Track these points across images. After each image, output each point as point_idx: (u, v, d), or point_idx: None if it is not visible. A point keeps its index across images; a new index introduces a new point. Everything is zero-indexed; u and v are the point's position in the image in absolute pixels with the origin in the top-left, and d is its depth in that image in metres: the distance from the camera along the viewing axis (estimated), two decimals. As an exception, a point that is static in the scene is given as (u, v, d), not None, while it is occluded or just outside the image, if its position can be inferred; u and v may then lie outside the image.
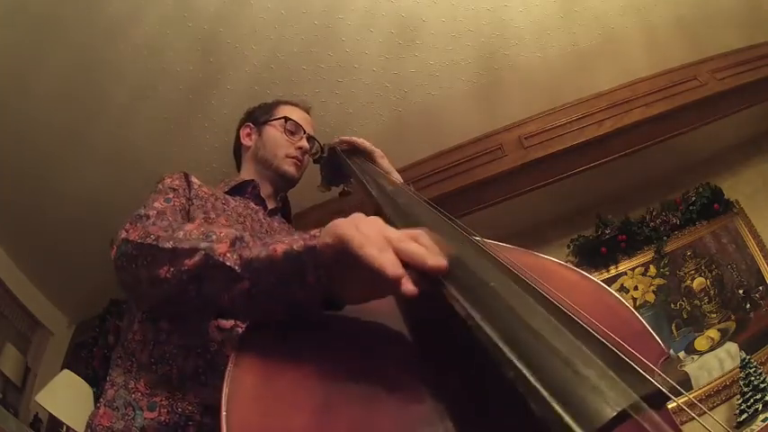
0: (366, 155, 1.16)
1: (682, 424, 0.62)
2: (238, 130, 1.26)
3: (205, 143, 2.28)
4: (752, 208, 2.56)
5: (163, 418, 0.71)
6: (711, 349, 2.31)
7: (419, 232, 0.54)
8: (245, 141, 1.23)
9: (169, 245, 0.65)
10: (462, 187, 2.43)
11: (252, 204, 1.08)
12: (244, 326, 0.63)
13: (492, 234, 0.78)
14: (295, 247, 0.54)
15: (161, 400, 0.73)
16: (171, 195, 0.88)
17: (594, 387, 0.35)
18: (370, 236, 0.51)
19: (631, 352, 0.42)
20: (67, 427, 2.14)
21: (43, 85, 2.02)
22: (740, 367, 2.10)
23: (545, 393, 0.34)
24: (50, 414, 2.15)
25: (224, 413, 0.44)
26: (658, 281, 2.52)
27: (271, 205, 1.15)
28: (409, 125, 2.37)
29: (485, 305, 0.45)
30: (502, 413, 0.43)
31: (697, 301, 2.44)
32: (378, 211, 0.80)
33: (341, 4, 1.99)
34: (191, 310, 0.69)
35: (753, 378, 2.03)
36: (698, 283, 2.48)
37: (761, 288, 2.37)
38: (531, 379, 0.36)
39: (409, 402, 0.47)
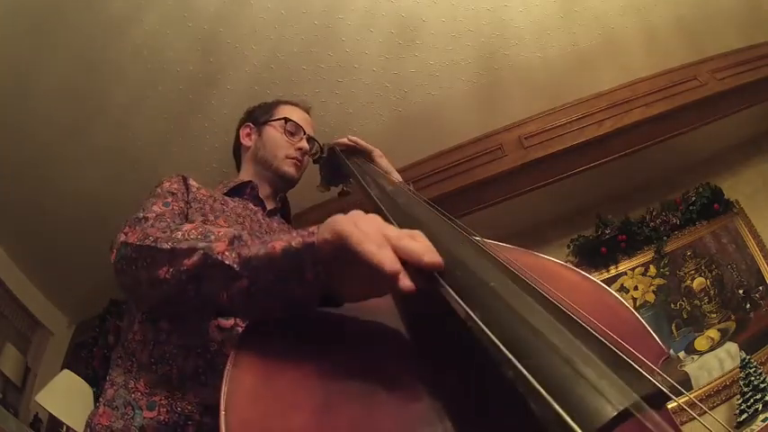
0: (365, 154, 1.16)
1: (682, 424, 0.62)
2: (238, 130, 1.26)
3: (205, 143, 2.28)
4: (752, 208, 2.56)
5: (162, 418, 0.71)
6: (711, 349, 2.31)
7: (416, 232, 0.55)
8: (245, 141, 1.23)
9: (168, 245, 0.65)
10: (462, 187, 2.43)
11: (251, 205, 1.08)
12: (244, 325, 0.63)
13: (492, 234, 0.78)
14: (293, 243, 0.54)
15: (160, 400, 0.73)
16: (170, 199, 0.88)
17: (595, 386, 0.35)
18: (368, 232, 0.51)
19: (631, 352, 0.42)
20: (67, 427, 2.14)
21: (43, 85, 2.02)
22: (740, 367, 2.10)
23: (545, 393, 0.34)
24: (50, 414, 2.15)
25: (223, 412, 0.44)
26: (658, 281, 2.52)
27: (270, 206, 1.14)
28: (409, 125, 2.37)
29: (484, 305, 0.45)
30: (501, 413, 0.43)
31: (697, 301, 2.44)
32: (377, 211, 0.80)
33: (341, 4, 1.99)
34: (190, 309, 0.69)
35: (753, 378, 2.03)
36: (698, 283, 2.48)
37: (761, 288, 2.37)
38: (531, 378, 0.36)
39: (409, 402, 0.47)
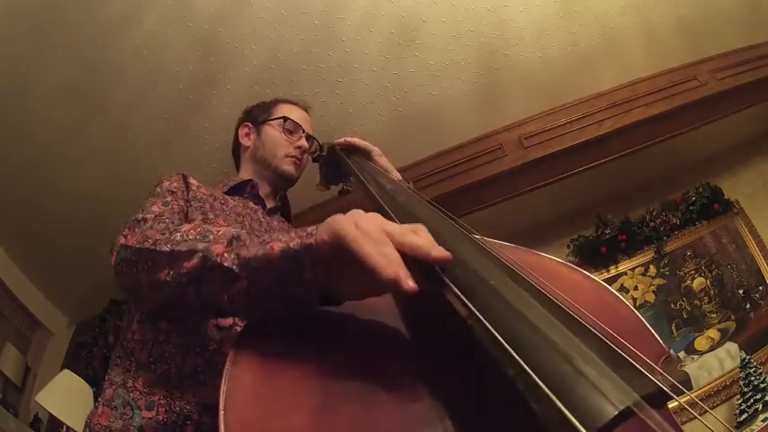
0: (364, 153, 1.16)
1: (682, 424, 0.62)
2: (237, 130, 1.26)
3: (205, 143, 2.28)
4: (752, 208, 2.56)
5: (161, 418, 0.71)
6: (711, 349, 2.30)
7: (418, 226, 0.54)
8: (244, 141, 1.23)
9: (167, 248, 0.65)
10: (462, 187, 2.43)
11: (251, 204, 1.08)
12: (242, 324, 0.63)
13: (492, 234, 0.78)
14: (292, 245, 0.54)
15: (159, 400, 0.73)
16: (169, 198, 0.88)
17: (595, 385, 0.35)
18: (369, 231, 0.51)
19: (632, 350, 0.41)
20: (67, 427, 2.14)
21: (43, 85, 2.02)
22: (740, 367, 2.10)
23: (547, 391, 0.34)
24: (50, 414, 2.15)
25: (222, 412, 0.44)
26: (658, 281, 2.52)
27: (270, 204, 1.14)
28: (409, 125, 2.37)
29: (485, 303, 0.45)
30: (502, 412, 0.43)
31: (697, 301, 2.43)
32: (378, 209, 0.80)
33: (341, 4, 1.99)
34: (190, 311, 0.69)
35: (753, 378, 2.03)
36: (698, 283, 2.48)
37: (761, 288, 2.37)
38: (533, 376, 0.36)
39: (409, 402, 0.47)
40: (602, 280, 0.82)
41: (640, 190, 2.72)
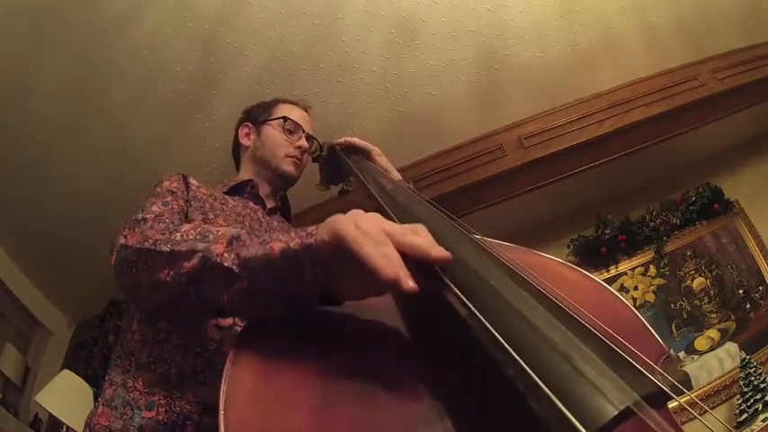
0: (364, 153, 1.16)
1: (682, 424, 0.62)
2: (237, 130, 1.26)
3: (205, 143, 2.28)
4: (752, 208, 2.56)
5: (161, 418, 0.71)
6: (711, 349, 2.30)
7: (418, 226, 0.54)
8: (244, 141, 1.23)
9: (167, 248, 0.65)
10: (462, 187, 2.43)
11: (251, 204, 1.08)
12: (242, 324, 0.63)
13: (492, 234, 0.78)
14: (292, 245, 0.54)
15: (159, 400, 0.73)
16: (169, 198, 0.88)
17: (595, 385, 0.35)
18: (369, 231, 0.50)
19: (632, 350, 0.41)
20: (67, 427, 2.14)
21: (43, 85, 2.02)
22: (740, 367, 2.10)
23: (547, 391, 0.34)
24: (50, 414, 2.15)
25: (222, 412, 0.44)
26: (658, 281, 2.52)
27: (270, 204, 1.14)
28: (409, 125, 2.37)
29: (485, 303, 0.45)
30: (502, 412, 0.43)
31: (697, 301, 2.43)
32: (378, 209, 0.80)
33: (341, 4, 1.99)
34: (190, 311, 0.69)
35: (753, 378, 2.03)
36: (698, 283, 2.48)
37: (761, 288, 2.37)
38: (533, 376, 0.36)
39: (409, 402, 0.47)
40: (602, 280, 0.82)
41: (640, 190, 2.72)
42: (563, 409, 0.33)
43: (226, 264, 0.57)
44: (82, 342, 2.83)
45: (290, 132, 1.19)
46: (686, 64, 2.49)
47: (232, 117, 1.33)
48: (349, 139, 1.17)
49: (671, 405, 0.46)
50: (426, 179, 2.46)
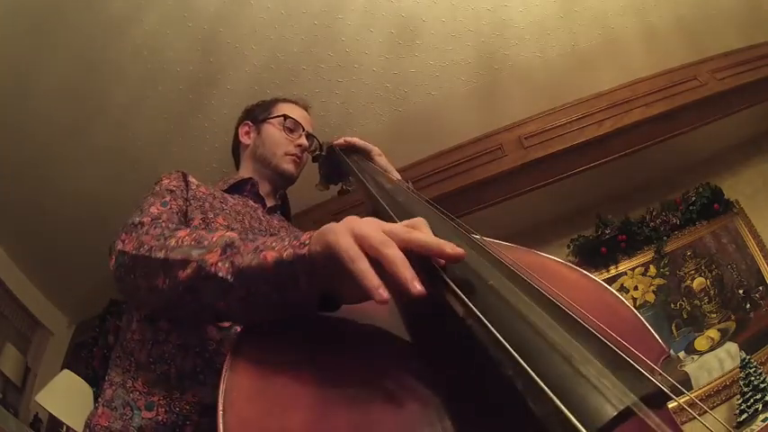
0: (364, 153, 1.16)
1: (682, 424, 0.62)
2: (237, 129, 1.26)
3: (205, 143, 2.28)
4: (752, 208, 2.56)
5: (161, 418, 0.71)
6: (711, 349, 2.30)
7: (417, 220, 0.53)
8: (244, 140, 1.23)
9: (161, 255, 0.65)
10: (462, 187, 2.43)
11: (250, 202, 1.08)
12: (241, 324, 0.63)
13: (492, 234, 0.78)
14: (285, 255, 0.53)
15: (159, 400, 0.73)
16: (168, 198, 0.88)
17: (595, 385, 0.35)
18: (368, 234, 0.49)
19: (632, 350, 0.41)
20: (67, 427, 2.14)
21: (43, 85, 2.02)
22: (740, 367, 2.10)
23: (547, 391, 0.34)
24: (50, 414, 2.15)
25: (221, 411, 0.44)
26: (658, 281, 2.52)
27: (270, 203, 1.14)
28: (409, 125, 2.37)
29: (484, 303, 0.45)
30: (501, 413, 0.43)
31: (697, 301, 2.43)
32: (376, 209, 0.80)
33: (341, 4, 1.99)
34: (189, 314, 0.70)
35: (753, 378, 2.03)
36: (698, 283, 2.48)
37: (761, 288, 2.37)
38: (533, 376, 0.36)
39: (408, 401, 0.47)
40: (602, 280, 0.82)
41: (640, 190, 2.72)
42: (563, 408, 0.33)
43: (220, 274, 0.57)
44: (82, 342, 2.83)
45: (291, 131, 1.20)
46: (686, 64, 2.49)
47: (232, 117, 1.33)
48: (349, 138, 1.17)
49: (671, 405, 0.46)
50: (426, 179, 2.46)
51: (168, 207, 0.85)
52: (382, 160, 1.16)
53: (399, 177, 1.13)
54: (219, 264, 0.58)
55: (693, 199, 2.59)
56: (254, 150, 1.19)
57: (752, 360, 2.10)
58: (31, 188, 2.34)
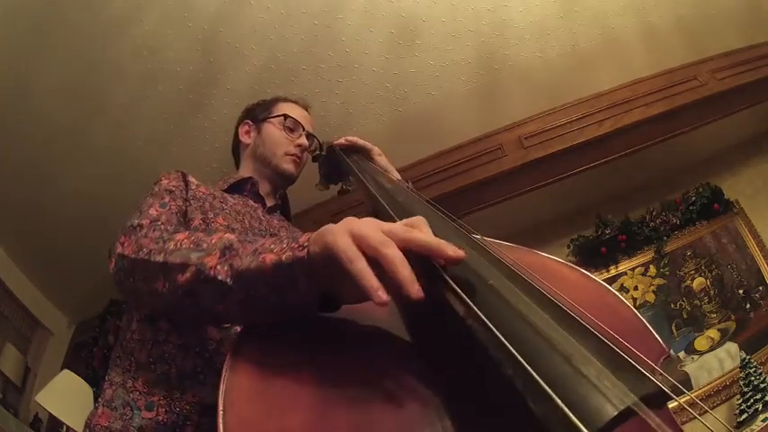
0: (364, 153, 1.16)
1: (682, 424, 0.62)
2: (237, 128, 1.26)
3: (205, 143, 2.28)
4: (752, 208, 2.56)
5: (161, 418, 0.71)
6: (711, 349, 2.30)
7: (417, 218, 0.53)
8: (244, 139, 1.23)
9: (160, 258, 0.65)
10: (462, 187, 2.43)
11: (250, 202, 1.08)
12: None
13: (492, 234, 0.78)
14: (283, 258, 0.53)
15: (159, 400, 0.73)
16: (167, 199, 0.87)
17: (595, 385, 0.35)
18: (367, 234, 0.49)
19: (632, 351, 0.41)
20: (67, 427, 2.14)
21: (43, 85, 2.02)
22: (740, 367, 2.10)
23: (548, 390, 0.34)
24: (50, 414, 2.15)
25: (221, 411, 0.44)
26: (658, 281, 2.52)
27: (269, 202, 1.14)
28: (409, 125, 2.37)
29: (484, 303, 0.45)
30: (501, 412, 0.43)
31: (697, 301, 2.43)
32: (376, 209, 0.80)
33: (341, 4, 1.99)
34: (188, 317, 0.70)
35: (753, 378, 2.03)
36: (698, 283, 2.48)
37: (761, 288, 2.37)
38: (534, 376, 0.36)
39: (408, 401, 0.47)
40: (602, 280, 0.82)
41: (640, 190, 2.72)
42: (564, 408, 0.33)
43: (219, 277, 0.57)
44: (82, 342, 2.83)
45: (291, 130, 1.20)
46: (686, 64, 2.49)
47: (232, 117, 1.33)
48: (350, 138, 1.17)
49: (671, 405, 0.46)
50: (426, 179, 2.46)
51: (167, 208, 0.85)
52: (382, 160, 1.16)
53: (399, 177, 1.13)
54: (218, 267, 0.58)
55: (693, 199, 2.59)
56: (254, 150, 1.19)
57: (752, 360, 2.10)
58: (31, 188, 2.34)
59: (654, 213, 2.63)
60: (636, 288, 2.52)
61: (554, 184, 2.46)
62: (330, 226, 0.52)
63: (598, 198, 2.68)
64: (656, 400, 0.37)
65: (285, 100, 1.27)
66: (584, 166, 2.43)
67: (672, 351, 2.32)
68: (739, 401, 2.03)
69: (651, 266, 2.56)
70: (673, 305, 2.45)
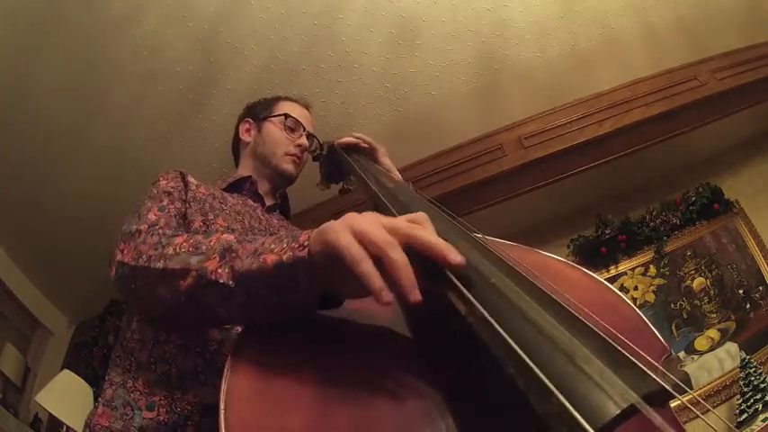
0: (367, 152, 1.16)
1: (684, 423, 0.62)
2: (237, 126, 1.26)
3: (205, 143, 2.28)
4: (752, 208, 2.56)
5: (162, 418, 0.71)
6: (711, 349, 2.30)
7: (419, 215, 0.53)
8: (244, 137, 1.22)
9: (160, 265, 0.65)
10: (462, 187, 2.43)
11: (250, 201, 1.07)
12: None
13: (492, 234, 0.78)
14: (284, 258, 0.53)
15: (159, 400, 0.72)
16: (165, 202, 0.86)
17: (598, 383, 0.35)
18: (367, 231, 0.48)
19: (634, 349, 0.41)
20: (67, 427, 2.13)
21: (43, 85, 2.02)
22: (740, 367, 2.10)
23: (552, 388, 0.34)
24: (50, 414, 2.15)
25: (222, 411, 0.44)
26: (658, 281, 2.52)
27: (269, 202, 1.14)
28: (409, 125, 2.37)
29: (486, 301, 0.44)
30: (503, 411, 0.43)
31: (697, 301, 2.43)
32: (377, 208, 0.80)
33: (341, 4, 1.99)
34: (189, 321, 0.70)
35: (753, 378, 2.03)
36: (698, 283, 2.48)
37: (761, 288, 2.37)
38: (537, 373, 0.35)
39: (409, 401, 0.47)
40: (603, 280, 0.82)
41: (640, 190, 2.72)
42: (567, 405, 0.33)
43: (221, 280, 0.57)
44: (82, 342, 2.83)
45: (291, 130, 1.19)
46: (686, 64, 2.49)
47: (232, 117, 1.33)
48: (358, 134, 1.17)
49: (673, 404, 0.46)
50: (426, 179, 2.46)
51: (166, 211, 0.84)
52: (386, 160, 1.16)
53: (401, 178, 1.13)
54: (219, 270, 0.58)
55: (693, 199, 2.59)
56: (254, 148, 1.19)
57: (752, 360, 2.11)
58: (31, 188, 2.34)
59: (654, 213, 2.63)
60: (636, 288, 2.53)
61: (554, 184, 2.46)
62: (330, 223, 0.51)
63: (598, 198, 2.68)
64: (659, 398, 0.36)
65: (286, 99, 1.27)
66: (584, 166, 2.43)
67: (672, 351, 2.32)
68: (739, 401, 2.03)
69: (651, 266, 2.56)
70: (673, 305, 2.45)
